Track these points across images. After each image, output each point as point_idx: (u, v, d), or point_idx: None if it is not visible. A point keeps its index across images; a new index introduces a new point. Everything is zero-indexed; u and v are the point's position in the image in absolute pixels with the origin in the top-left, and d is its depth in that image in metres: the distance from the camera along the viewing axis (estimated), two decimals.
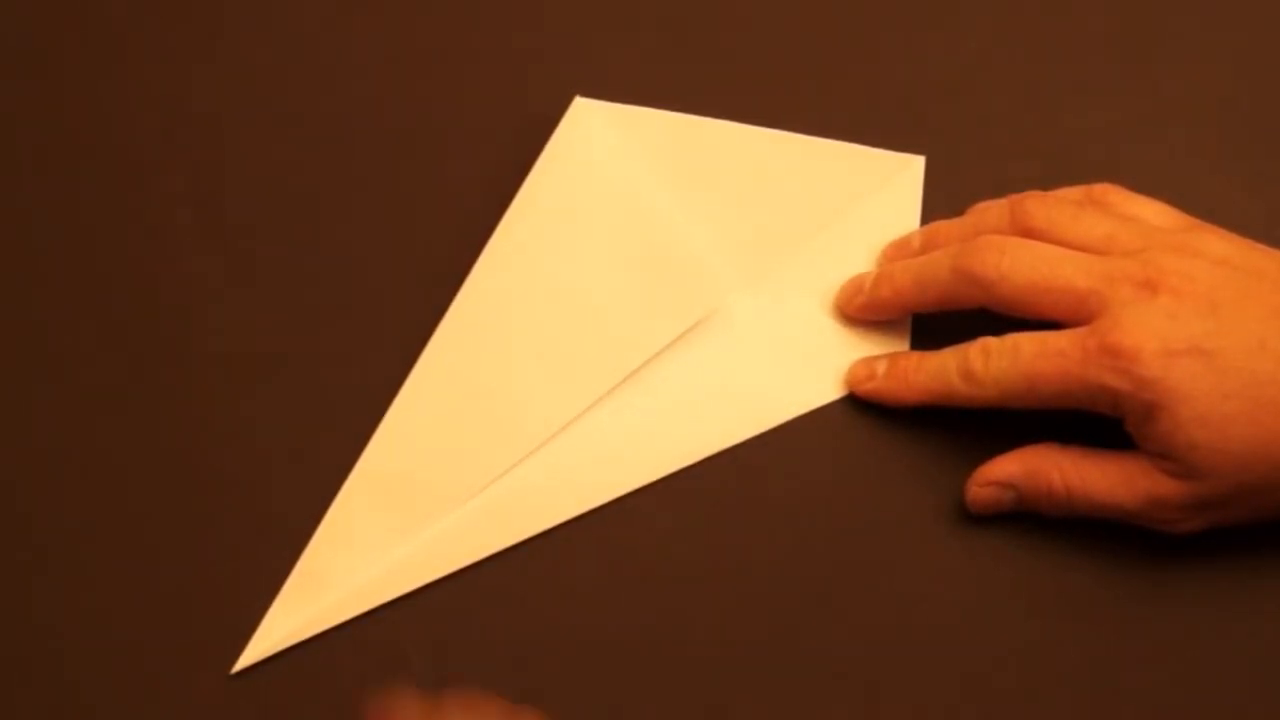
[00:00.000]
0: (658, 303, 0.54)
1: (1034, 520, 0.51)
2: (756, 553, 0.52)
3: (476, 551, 0.52)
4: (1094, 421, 0.49)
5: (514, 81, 0.59)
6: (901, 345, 0.54)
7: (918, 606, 0.51)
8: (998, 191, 0.54)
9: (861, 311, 0.54)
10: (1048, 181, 0.53)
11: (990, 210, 0.52)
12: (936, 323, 0.53)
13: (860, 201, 0.56)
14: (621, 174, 0.56)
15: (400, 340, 0.54)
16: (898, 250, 0.55)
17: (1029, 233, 0.50)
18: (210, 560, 0.52)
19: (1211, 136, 0.58)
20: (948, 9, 0.60)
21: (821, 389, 0.54)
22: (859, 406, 0.54)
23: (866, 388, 0.53)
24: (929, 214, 0.56)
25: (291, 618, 0.51)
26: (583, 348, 0.54)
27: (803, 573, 0.52)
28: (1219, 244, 0.49)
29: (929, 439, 0.53)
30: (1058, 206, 0.51)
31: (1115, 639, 0.51)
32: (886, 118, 0.58)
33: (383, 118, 0.58)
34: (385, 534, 0.52)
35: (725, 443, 0.53)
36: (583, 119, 0.56)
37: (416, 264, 0.56)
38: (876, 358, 0.53)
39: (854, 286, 0.54)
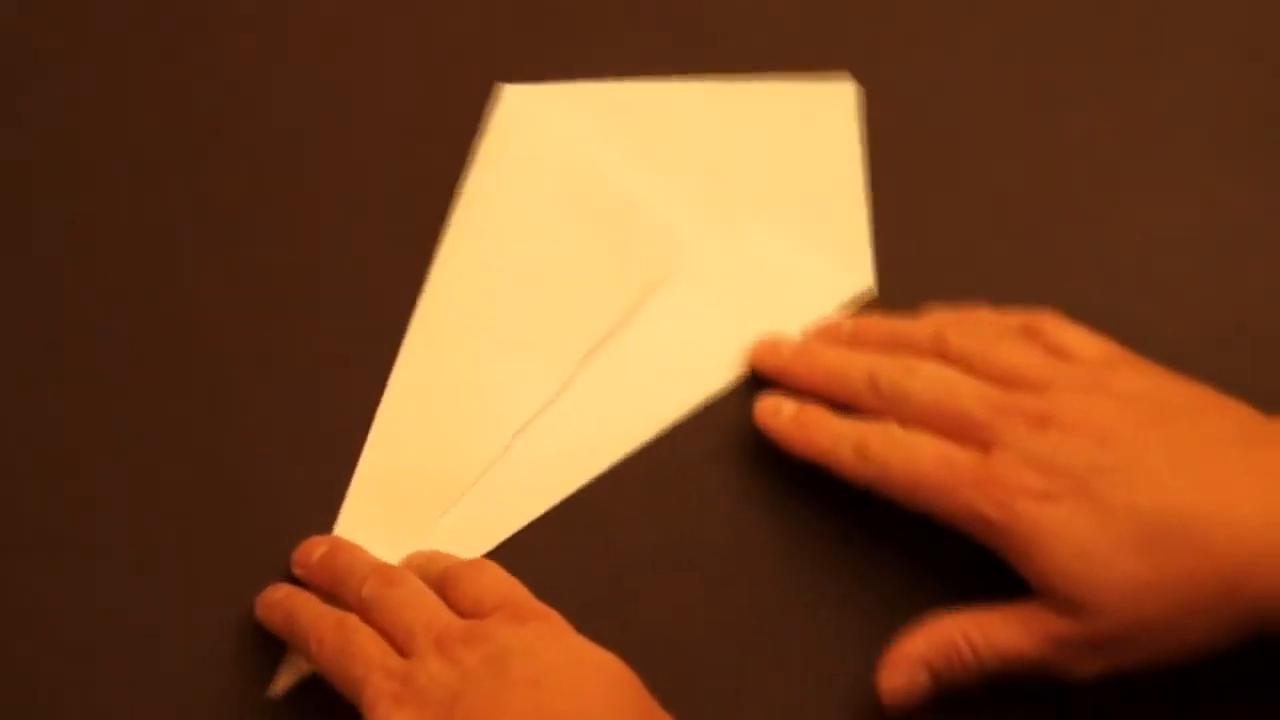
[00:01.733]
0: (621, 263, 0.55)
1: None
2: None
3: (486, 541, 0.51)
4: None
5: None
6: (864, 283, 0.55)
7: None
8: (999, 192, 0.53)
9: (770, 375, 0.54)
10: (1048, 182, 0.53)
11: (916, 328, 0.53)
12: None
13: (799, 133, 0.58)
14: (562, 148, 0.57)
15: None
16: (827, 333, 0.55)
17: (944, 356, 0.51)
18: (210, 561, 0.52)
19: (1212, 136, 0.58)
20: (949, 9, 0.60)
21: (790, 326, 0.55)
22: None
23: (769, 422, 0.52)
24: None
25: None
26: (555, 319, 0.54)
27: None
28: (1134, 379, 0.49)
29: None
30: (976, 335, 0.51)
31: None
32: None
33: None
34: (391, 534, 0.52)
35: (708, 390, 0.54)
36: (513, 104, 0.57)
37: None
38: (785, 397, 0.53)
39: (769, 346, 0.54)
